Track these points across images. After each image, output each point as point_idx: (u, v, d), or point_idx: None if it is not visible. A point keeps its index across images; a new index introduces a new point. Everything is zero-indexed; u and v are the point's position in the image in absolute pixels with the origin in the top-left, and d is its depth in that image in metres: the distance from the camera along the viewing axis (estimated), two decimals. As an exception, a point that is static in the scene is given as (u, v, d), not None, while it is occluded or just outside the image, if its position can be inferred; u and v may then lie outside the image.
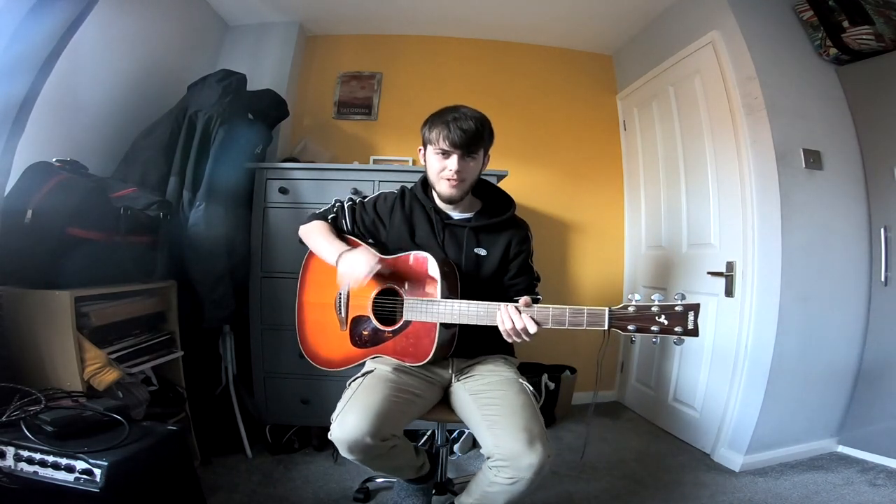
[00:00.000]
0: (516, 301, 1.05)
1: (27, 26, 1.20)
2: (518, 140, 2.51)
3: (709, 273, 1.95)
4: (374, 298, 1.24)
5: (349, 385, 1.16)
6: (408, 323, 1.19)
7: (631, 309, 0.98)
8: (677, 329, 0.95)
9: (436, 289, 1.15)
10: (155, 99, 1.92)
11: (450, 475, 1.55)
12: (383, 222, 1.33)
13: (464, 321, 1.12)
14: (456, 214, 1.30)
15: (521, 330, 1.02)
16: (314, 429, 1.89)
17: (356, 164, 2.09)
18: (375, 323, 1.23)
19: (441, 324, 1.15)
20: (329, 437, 1.03)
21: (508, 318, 1.03)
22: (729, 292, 1.87)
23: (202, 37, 2.31)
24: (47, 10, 1.23)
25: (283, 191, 1.88)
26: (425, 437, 1.87)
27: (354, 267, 1.16)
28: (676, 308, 0.95)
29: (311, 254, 1.37)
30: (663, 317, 0.96)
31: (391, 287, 1.23)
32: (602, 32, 2.48)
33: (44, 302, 1.22)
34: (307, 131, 2.50)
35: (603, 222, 2.64)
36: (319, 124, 2.54)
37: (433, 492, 1.40)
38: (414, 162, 2.38)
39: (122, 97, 1.83)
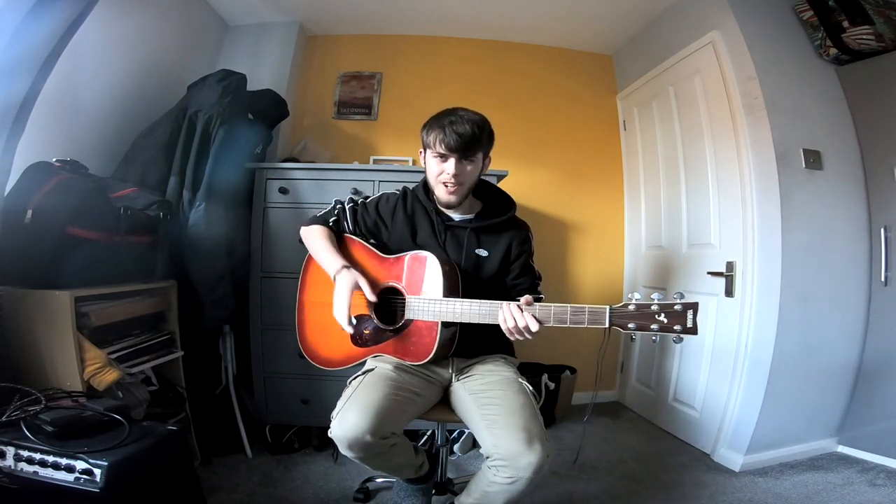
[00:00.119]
0: (518, 301, 1.05)
1: (27, 26, 1.20)
2: (518, 140, 2.51)
3: (709, 273, 1.96)
4: (376, 296, 1.24)
5: (350, 383, 1.16)
6: (409, 322, 1.19)
7: (631, 307, 0.99)
8: (676, 327, 0.96)
9: (437, 288, 1.15)
10: (155, 99, 1.92)
11: (450, 475, 1.55)
12: (385, 223, 1.33)
13: (465, 320, 1.12)
14: (457, 216, 1.31)
15: (524, 328, 1.03)
16: (314, 429, 1.89)
17: (356, 164, 2.09)
18: (377, 322, 1.23)
19: (442, 323, 1.15)
20: (329, 434, 1.04)
21: (510, 316, 1.04)
22: (729, 292, 1.87)
23: (202, 37, 2.31)
24: (47, 10, 1.23)
25: (283, 191, 1.88)
26: (425, 438, 1.87)
27: (341, 288, 1.18)
28: (675, 307, 0.97)
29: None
30: (663, 315, 0.97)
31: (393, 286, 1.23)
32: (602, 32, 2.48)
33: (44, 302, 1.22)
34: (307, 131, 2.50)
35: (603, 222, 2.64)
36: (319, 124, 2.54)
37: (433, 492, 1.40)
38: (414, 162, 2.39)
39: (122, 97, 1.83)
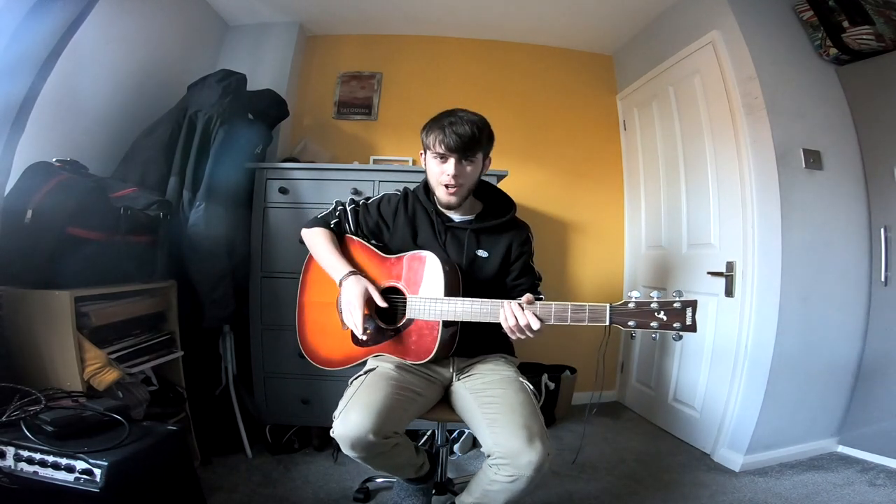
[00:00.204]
0: (519, 300, 1.06)
1: (27, 26, 1.20)
2: (518, 140, 2.51)
3: (709, 273, 1.95)
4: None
5: (351, 383, 1.16)
6: (410, 321, 1.19)
7: (631, 305, 1.00)
8: (676, 325, 0.97)
9: (438, 288, 1.16)
10: (155, 99, 1.92)
11: (450, 475, 1.55)
12: (387, 224, 1.34)
13: (467, 319, 1.12)
14: (457, 217, 1.31)
15: (525, 326, 1.03)
16: (314, 429, 1.89)
17: (356, 164, 2.09)
18: (378, 321, 1.23)
19: (443, 322, 1.15)
20: (331, 433, 1.04)
21: (512, 314, 1.04)
22: (729, 292, 1.87)
23: (202, 37, 2.31)
24: (47, 10, 1.23)
25: (283, 191, 1.88)
26: (425, 437, 1.87)
27: (352, 296, 1.17)
28: (675, 304, 0.98)
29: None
30: (662, 313, 0.98)
31: (394, 286, 1.23)
32: (602, 32, 2.48)
33: (44, 302, 1.22)
34: (307, 131, 2.50)
35: (603, 222, 2.64)
36: (319, 124, 2.54)
37: (433, 492, 1.40)
38: (414, 162, 2.39)
39: (122, 97, 1.83)
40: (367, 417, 1.00)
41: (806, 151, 1.81)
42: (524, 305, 1.04)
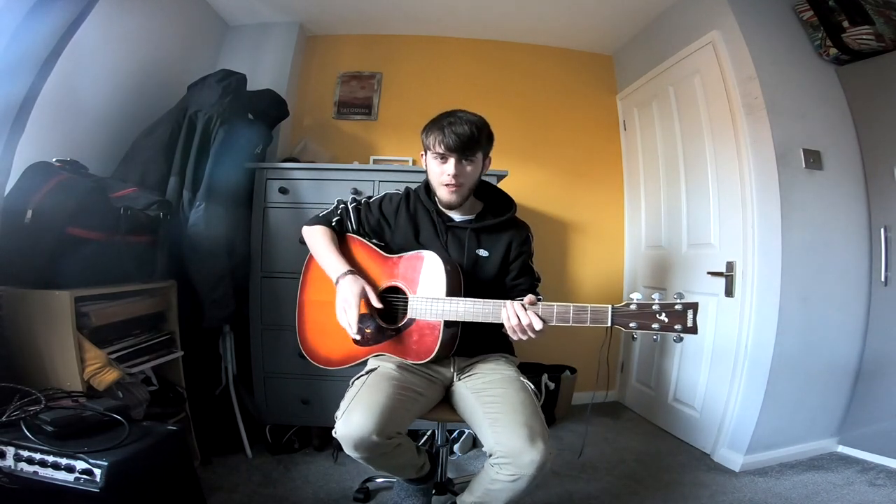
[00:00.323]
0: (520, 300, 1.06)
1: (27, 26, 1.20)
2: (518, 140, 2.51)
3: (709, 273, 1.96)
4: (378, 297, 1.24)
5: (352, 383, 1.16)
6: (411, 321, 1.19)
7: (633, 307, 1.00)
8: (677, 327, 0.98)
9: (440, 288, 1.16)
10: (155, 99, 1.92)
11: (450, 475, 1.55)
12: (388, 223, 1.34)
13: (468, 319, 1.12)
14: (458, 217, 1.31)
15: (527, 326, 1.03)
16: (314, 429, 1.89)
17: (356, 164, 2.09)
18: (378, 321, 1.23)
19: (444, 322, 1.15)
20: (334, 434, 1.03)
21: (514, 314, 1.05)
22: (729, 292, 1.87)
23: (202, 37, 2.31)
24: (47, 10, 1.23)
25: (283, 191, 1.88)
26: (425, 438, 1.87)
27: (348, 295, 1.17)
28: (676, 306, 0.98)
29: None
30: (664, 315, 0.98)
31: (395, 285, 1.23)
32: (602, 32, 2.48)
33: (44, 302, 1.22)
34: (307, 131, 2.50)
35: (603, 222, 2.64)
36: (319, 124, 2.54)
37: (433, 492, 1.40)
38: (414, 162, 2.39)
39: (122, 97, 1.83)
40: (370, 418, 1.00)
41: (806, 151, 1.81)
42: (527, 305, 1.05)
